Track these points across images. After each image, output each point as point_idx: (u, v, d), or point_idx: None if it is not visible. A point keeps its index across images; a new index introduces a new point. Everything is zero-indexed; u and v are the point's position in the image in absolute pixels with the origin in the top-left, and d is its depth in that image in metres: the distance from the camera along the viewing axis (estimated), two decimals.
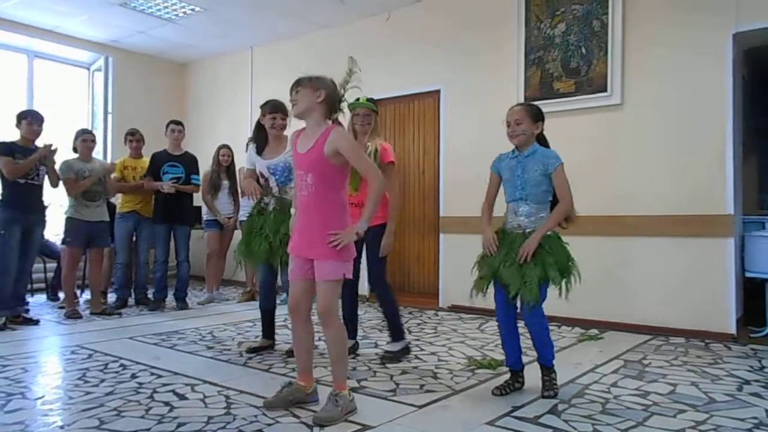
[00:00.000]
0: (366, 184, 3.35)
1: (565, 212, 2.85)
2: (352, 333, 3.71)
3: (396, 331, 3.64)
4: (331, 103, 2.59)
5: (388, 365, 3.45)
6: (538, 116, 2.91)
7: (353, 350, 3.70)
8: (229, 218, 6.00)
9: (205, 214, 6.09)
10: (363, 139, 3.61)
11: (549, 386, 2.83)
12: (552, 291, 2.80)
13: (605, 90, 4.68)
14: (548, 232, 2.81)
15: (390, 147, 3.70)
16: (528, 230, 2.83)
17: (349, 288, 3.49)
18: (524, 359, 2.98)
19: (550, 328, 2.93)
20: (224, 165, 6.03)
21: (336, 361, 2.57)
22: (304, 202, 2.58)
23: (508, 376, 2.99)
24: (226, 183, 6.03)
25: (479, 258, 2.98)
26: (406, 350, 3.66)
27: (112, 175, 5.39)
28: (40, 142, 4.63)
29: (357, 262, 3.46)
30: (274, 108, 3.66)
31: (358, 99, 3.54)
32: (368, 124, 3.61)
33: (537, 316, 2.81)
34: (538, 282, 2.71)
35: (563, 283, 2.79)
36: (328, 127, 2.55)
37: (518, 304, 2.85)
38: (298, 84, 2.61)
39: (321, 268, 2.51)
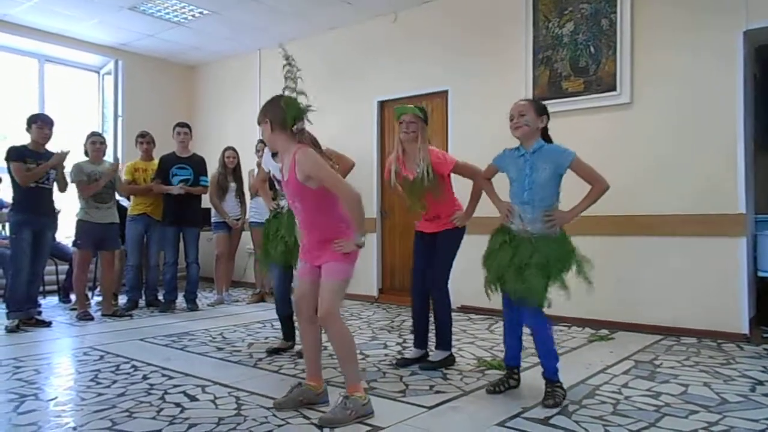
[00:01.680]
0: (431, 202, 3.35)
1: (601, 192, 2.78)
2: (423, 343, 3.52)
3: (443, 340, 3.45)
4: (282, 122, 2.53)
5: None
6: (542, 111, 2.85)
7: (449, 362, 3.43)
8: (237, 220, 6.03)
9: (214, 216, 6.12)
10: (409, 147, 3.33)
11: (550, 395, 2.71)
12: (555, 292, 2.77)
13: (614, 89, 4.66)
14: (557, 230, 2.77)
15: (441, 153, 3.38)
16: (535, 236, 2.75)
17: (419, 295, 3.50)
18: (534, 360, 2.97)
19: (561, 328, 2.90)
20: (230, 167, 6.04)
21: (343, 361, 2.56)
22: (302, 224, 2.67)
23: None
24: (233, 185, 6.05)
25: (484, 258, 2.91)
26: (449, 361, 3.44)
27: (123, 178, 5.44)
28: (51, 146, 4.68)
29: (421, 267, 3.48)
30: None
31: (405, 106, 3.39)
32: (413, 132, 3.29)
33: (538, 318, 2.76)
34: (544, 288, 2.67)
35: (562, 278, 2.72)
36: (293, 151, 2.51)
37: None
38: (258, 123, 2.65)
39: (328, 268, 2.54)
